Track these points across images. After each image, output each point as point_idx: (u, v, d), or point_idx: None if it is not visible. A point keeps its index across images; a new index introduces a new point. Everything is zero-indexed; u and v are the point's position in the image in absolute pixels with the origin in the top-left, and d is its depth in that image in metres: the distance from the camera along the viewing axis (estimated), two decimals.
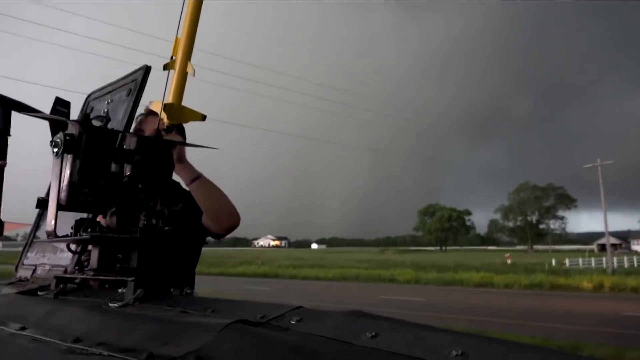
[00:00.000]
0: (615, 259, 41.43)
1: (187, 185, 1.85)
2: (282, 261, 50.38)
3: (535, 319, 14.89)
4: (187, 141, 2.14)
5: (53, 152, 1.21)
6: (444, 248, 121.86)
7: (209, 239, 2.16)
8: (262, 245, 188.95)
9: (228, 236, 2.17)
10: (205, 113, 1.68)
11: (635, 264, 45.22)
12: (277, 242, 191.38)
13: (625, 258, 47.31)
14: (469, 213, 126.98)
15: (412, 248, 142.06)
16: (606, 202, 38.54)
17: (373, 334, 0.70)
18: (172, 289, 1.24)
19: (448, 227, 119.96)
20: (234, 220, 1.94)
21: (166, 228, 1.28)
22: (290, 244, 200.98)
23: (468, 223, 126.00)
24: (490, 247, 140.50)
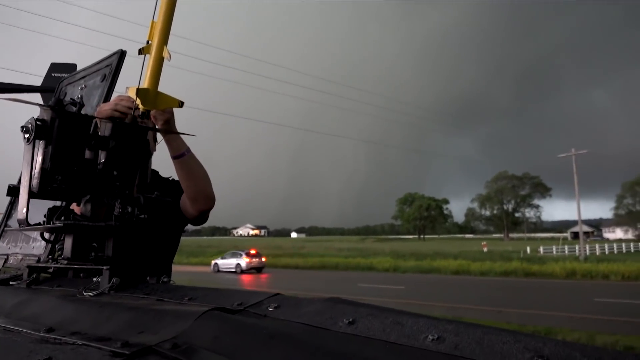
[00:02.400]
0: (587, 247, 42.56)
1: (172, 158, 1.78)
2: (262, 250, 50.36)
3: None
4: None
5: (24, 137, 1.17)
6: (422, 236, 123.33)
7: (188, 227, 2.13)
8: (241, 234, 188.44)
9: (207, 225, 2.14)
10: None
11: (607, 252, 46.51)
12: (256, 231, 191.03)
13: (597, 246, 48.63)
14: (446, 202, 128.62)
15: (391, 237, 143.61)
16: (580, 191, 39.47)
17: (350, 320, 0.70)
18: (148, 278, 1.23)
19: (426, 215, 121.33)
20: (209, 204, 1.90)
21: (142, 216, 1.26)
22: (270, 233, 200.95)
23: (446, 212, 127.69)
24: (467, 236, 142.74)
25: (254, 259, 31.42)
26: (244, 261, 31.14)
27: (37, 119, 1.16)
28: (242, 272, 30.75)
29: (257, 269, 31.57)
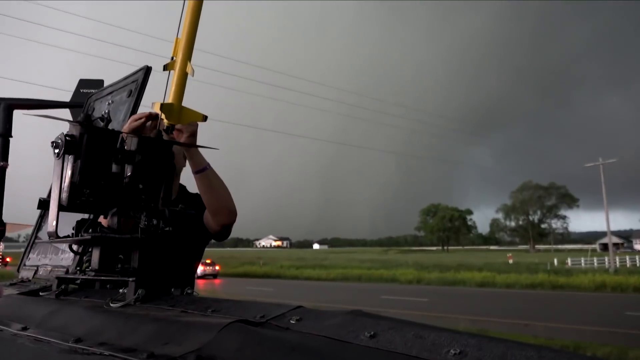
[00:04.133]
0: (617, 259, 41.33)
1: (193, 174, 1.83)
2: (284, 262, 50.39)
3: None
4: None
5: (54, 152, 1.21)
6: (446, 248, 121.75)
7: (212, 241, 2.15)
8: (264, 246, 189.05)
9: (230, 237, 2.17)
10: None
11: (638, 264, 45.09)
12: (279, 243, 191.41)
13: (627, 257, 47.16)
14: (470, 212, 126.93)
15: (414, 248, 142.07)
16: (608, 201, 38.48)
17: (372, 333, 0.70)
18: (173, 289, 1.25)
19: (450, 226, 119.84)
20: (231, 217, 1.93)
21: (167, 228, 1.28)
22: (292, 245, 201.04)
23: (470, 223, 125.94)
24: (492, 247, 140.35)
25: (208, 267, 35.79)
26: (199, 269, 35.18)
27: (66, 135, 1.19)
28: (198, 277, 34.70)
29: (212, 276, 36.32)
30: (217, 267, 37.32)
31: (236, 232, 2.13)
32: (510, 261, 47.10)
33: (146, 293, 1.12)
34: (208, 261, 36.77)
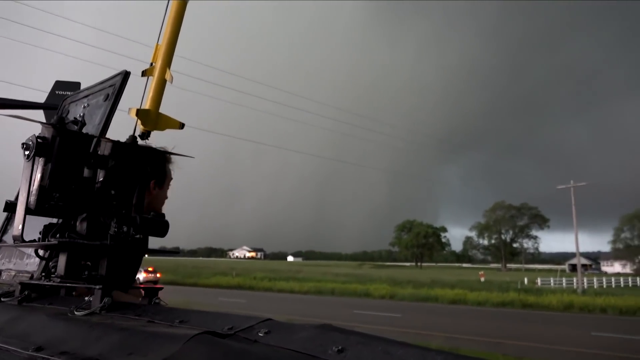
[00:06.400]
0: (585, 280, 42.28)
1: None
2: (258, 273, 49.96)
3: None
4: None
5: (24, 154, 1.18)
6: (419, 264, 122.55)
7: (184, 247, 2.13)
8: (237, 257, 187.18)
9: (203, 246, 2.15)
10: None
11: (605, 285, 46.17)
12: (252, 254, 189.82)
13: (595, 279, 48.31)
14: (444, 230, 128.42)
15: (388, 263, 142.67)
16: (578, 223, 39.40)
17: (340, 347, 0.69)
18: (140, 298, 1.22)
19: (424, 243, 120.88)
20: None
21: (137, 236, 1.26)
22: (266, 256, 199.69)
23: (444, 240, 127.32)
24: (464, 265, 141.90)
25: (150, 274, 37.85)
26: (142, 275, 37.31)
27: (38, 136, 1.17)
28: (140, 283, 38.10)
29: (153, 282, 36.65)
30: (158, 275, 39.20)
31: (210, 242, 2.11)
32: (482, 279, 47.74)
33: (112, 302, 1.10)
34: (150, 269, 38.75)
